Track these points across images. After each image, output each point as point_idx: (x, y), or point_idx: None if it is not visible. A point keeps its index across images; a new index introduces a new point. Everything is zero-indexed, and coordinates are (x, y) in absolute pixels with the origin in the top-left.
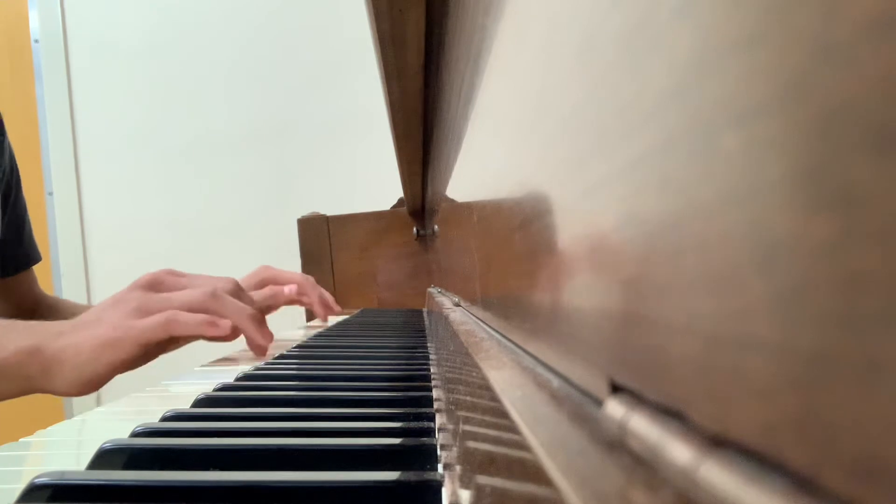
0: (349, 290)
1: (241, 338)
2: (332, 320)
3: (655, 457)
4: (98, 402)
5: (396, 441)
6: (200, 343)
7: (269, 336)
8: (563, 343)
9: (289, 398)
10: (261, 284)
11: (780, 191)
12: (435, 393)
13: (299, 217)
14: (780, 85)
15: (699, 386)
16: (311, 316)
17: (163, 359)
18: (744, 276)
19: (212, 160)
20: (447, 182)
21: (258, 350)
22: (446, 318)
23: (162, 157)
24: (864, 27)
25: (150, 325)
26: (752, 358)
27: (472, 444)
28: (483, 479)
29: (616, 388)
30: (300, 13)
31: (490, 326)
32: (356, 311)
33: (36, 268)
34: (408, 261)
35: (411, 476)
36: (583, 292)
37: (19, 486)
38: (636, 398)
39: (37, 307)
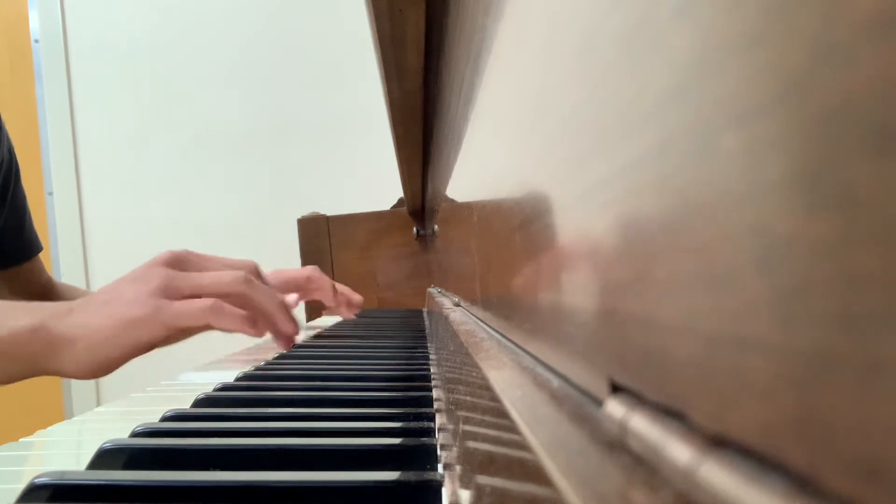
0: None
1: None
2: (332, 320)
3: (655, 457)
4: (98, 402)
5: (396, 441)
6: (201, 343)
7: (296, 327)
8: (563, 343)
9: (289, 398)
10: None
11: (780, 191)
12: (435, 393)
13: (299, 217)
14: (780, 85)
15: (699, 386)
16: (311, 316)
17: (163, 358)
18: (744, 276)
19: (212, 160)
20: (447, 182)
21: (286, 342)
22: (446, 318)
23: (162, 157)
24: (864, 27)
25: (190, 311)
26: (752, 358)
27: (472, 444)
28: (483, 479)
29: (616, 388)
30: (300, 13)
31: (490, 326)
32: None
33: None
34: (408, 261)
35: (411, 476)
36: (583, 292)
37: (19, 486)
38: (636, 398)
39: (47, 296)
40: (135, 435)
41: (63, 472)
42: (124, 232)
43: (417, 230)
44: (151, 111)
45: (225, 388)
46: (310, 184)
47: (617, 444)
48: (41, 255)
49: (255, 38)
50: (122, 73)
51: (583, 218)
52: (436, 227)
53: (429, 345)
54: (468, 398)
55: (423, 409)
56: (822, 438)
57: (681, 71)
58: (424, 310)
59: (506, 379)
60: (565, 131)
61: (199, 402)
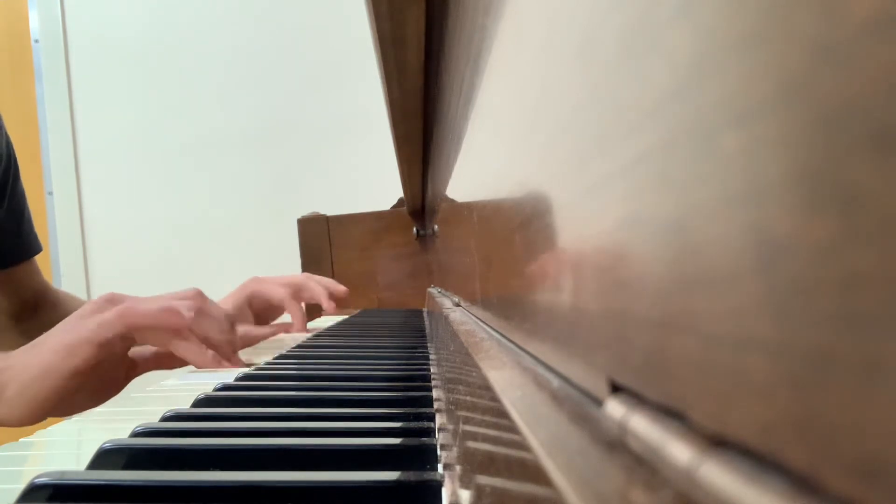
0: (349, 290)
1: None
2: (332, 320)
3: (655, 457)
4: None
5: (396, 441)
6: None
7: (239, 362)
8: (563, 343)
9: (289, 398)
10: (250, 299)
11: (780, 191)
12: (435, 393)
13: (299, 217)
14: (780, 85)
15: (699, 386)
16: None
17: None
18: (743, 276)
19: (212, 160)
20: (447, 182)
21: (206, 364)
22: (446, 318)
23: (162, 157)
24: (864, 27)
25: (103, 320)
26: (751, 358)
27: (472, 444)
28: (483, 479)
29: (616, 388)
30: (301, 13)
31: (490, 326)
32: (356, 311)
33: None
34: (408, 261)
35: (411, 476)
36: (583, 292)
37: (19, 486)
38: (636, 398)
39: (40, 300)
40: (135, 435)
41: (63, 472)
42: (124, 232)
43: (417, 230)
44: (151, 111)
45: (225, 388)
46: (310, 184)
47: (617, 445)
48: (40, 258)
49: (255, 38)
50: (122, 73)
51: (583, 218)
52: (436, 226)
53: (429, 345)
54: (468, 398)
55: (423, 409)
56: (822, 438)
57: (681, 71)
58: (424, 310)
59: (506, 379)
60: (565, 131)
61: (198, 402)
